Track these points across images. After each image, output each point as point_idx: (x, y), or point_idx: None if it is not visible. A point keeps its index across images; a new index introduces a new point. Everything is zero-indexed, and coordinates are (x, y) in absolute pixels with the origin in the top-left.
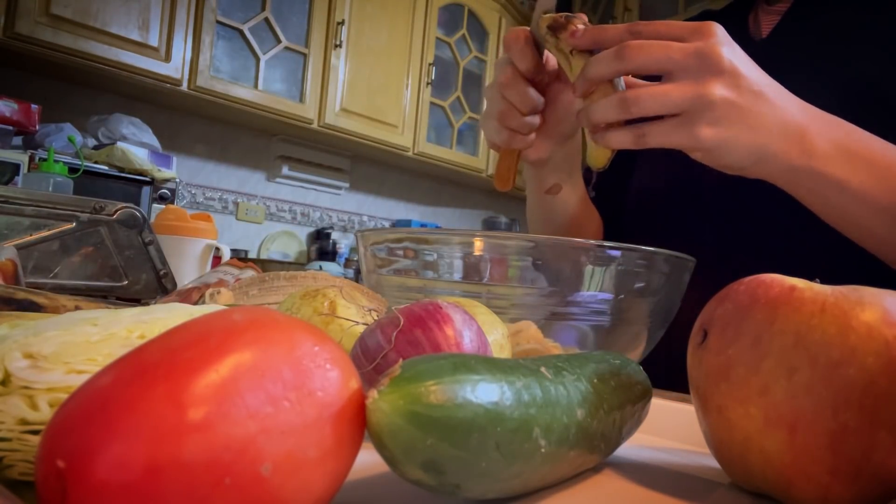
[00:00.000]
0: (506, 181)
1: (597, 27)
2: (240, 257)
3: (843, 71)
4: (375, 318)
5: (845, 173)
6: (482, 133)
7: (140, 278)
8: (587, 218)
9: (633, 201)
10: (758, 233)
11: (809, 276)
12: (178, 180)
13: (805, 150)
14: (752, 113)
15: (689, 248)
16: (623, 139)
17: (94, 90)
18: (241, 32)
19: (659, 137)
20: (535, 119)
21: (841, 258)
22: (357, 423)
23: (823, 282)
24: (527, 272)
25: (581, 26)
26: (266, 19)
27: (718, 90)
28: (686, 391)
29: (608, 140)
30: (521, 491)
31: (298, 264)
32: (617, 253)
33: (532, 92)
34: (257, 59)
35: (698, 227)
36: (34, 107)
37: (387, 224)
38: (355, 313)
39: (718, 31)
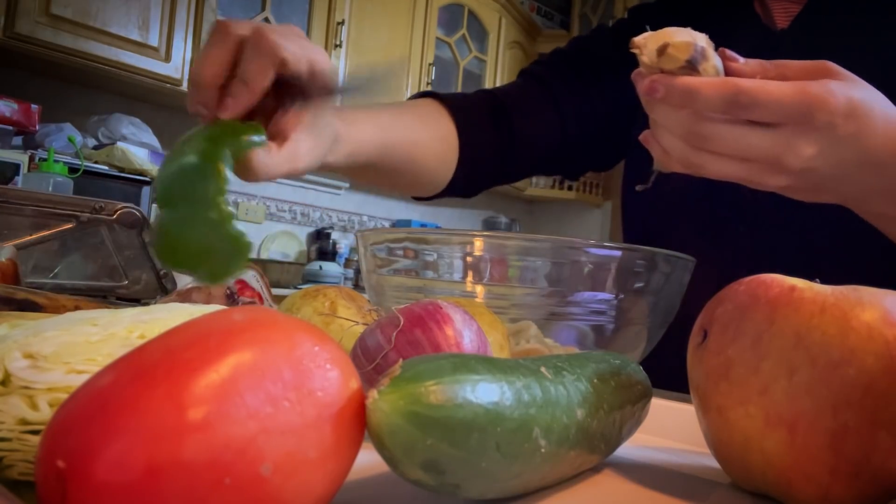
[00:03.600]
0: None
1: (693, 88)
2: None
3: (879, 54)
4: (375, 318)
5: None
6: None
7: (140, 278)
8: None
9: (633, 201)
10: (758, 232)
11: (809, 276)
12: None
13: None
14: (834, 181)
15: (690, 248)
16: (677, 151)
17: (94, 90)
18: None
19: (721, 174)
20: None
21: (841, 258)
22: (357, 423)
23: (823, 282)
24: (527, 272)
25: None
26: (266, 19)
27: (807, 154)
28: (686, 391)
29: (661, 142)
30: (521, 491)
31: (298, 264)
32: (617, 253)
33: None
34: None
35: (699, 226)
36: (34, 107)
37: (387, 224)
38: (355, 313)
39: (840, 99)
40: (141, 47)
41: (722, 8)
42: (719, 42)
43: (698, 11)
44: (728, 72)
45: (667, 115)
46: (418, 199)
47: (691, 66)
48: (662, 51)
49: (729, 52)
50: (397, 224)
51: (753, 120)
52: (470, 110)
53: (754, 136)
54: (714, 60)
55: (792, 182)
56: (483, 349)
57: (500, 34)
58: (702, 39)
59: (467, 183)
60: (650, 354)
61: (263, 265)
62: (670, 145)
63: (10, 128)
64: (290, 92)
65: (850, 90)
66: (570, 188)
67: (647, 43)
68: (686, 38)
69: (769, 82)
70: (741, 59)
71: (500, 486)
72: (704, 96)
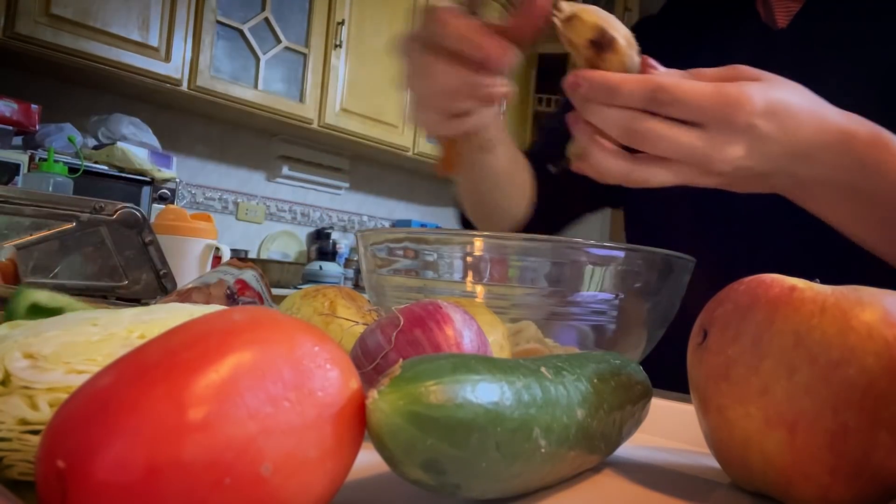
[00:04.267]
0: (452, 166)
1: (612, 83)
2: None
3: (879, 54)
4: (375, 318)
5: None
6: None
7: (140, 278)
8: (518, 169)
9: (633, 200)
10: (758, 232)
11: (809, 276)
12: (178, 180)
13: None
14: (769, 175)
15: (690, 248)
16: (615, 170)
17: (94, 90)
18: (241, 32)
19: (655, 180)
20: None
21: (841, 258)
22: (357, 423)
23: (823, 282)
24: (527, 272)
25: (624, 50)
26: (266, 19)
27: (733, 156)
28: (686, 391)
29: (598, 166)
30: (521, 491)
31: (298, 264)
32: (617, 253)
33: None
34: (257, 59)
35: (698, 226)
36: (34, 107)
37: (387, 224)
38: (355, 313)
39: (756, 103)
40: (141, 47)
41: (724, 8)
42: (719, 43)
43: (701, 14)
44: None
45: (603, 118)
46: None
47: (597, 49)
48: (569, 19)
49: (649, 60)
50: (397, 224)
51: (674, 117)
52: (535, 162)
53: (686, 136)
54: (628, 59)
55: (727, 179)
56: (483, 349)
57: None
58: (620, 34)
59: (537, 225)
60: (650, 354)
61: (263, 265)
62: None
63: (10, 128)
64: None
65: (768, 91)
66: None
67: (564, 8)
68: (598, 21)
69: (688, 81)
70: (661, 68)
71: (500, 486)
72: (626, 91)
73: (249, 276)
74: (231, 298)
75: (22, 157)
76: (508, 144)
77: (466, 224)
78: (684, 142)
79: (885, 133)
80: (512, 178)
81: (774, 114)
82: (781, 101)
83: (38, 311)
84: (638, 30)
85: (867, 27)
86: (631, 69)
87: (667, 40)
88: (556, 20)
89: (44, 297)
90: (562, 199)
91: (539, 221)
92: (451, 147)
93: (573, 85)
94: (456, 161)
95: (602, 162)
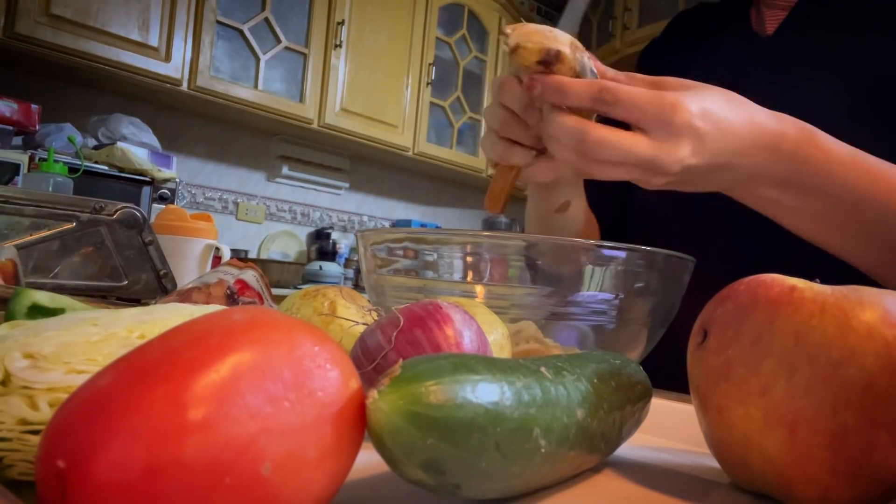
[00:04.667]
0: (497, 202)
1: (563, 86)
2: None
3: (858, 64)
4: (375, 318)
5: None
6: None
7: (140, 278)
8: (592, 229)
9: (634, 200)
10: (758, 232)
11: (809, 276)
12: (178, 180)
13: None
14: (712, 174)
15: (690, 248)
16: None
17: (94, 90)
18: (241, 32)
19: (605, 175)
20: (536, 133)
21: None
22: (357, 423)
23: (823, 282)
24: (527, 272)
25: (577, 62)
26: (266, 19)
27: (681, 155)
28: (686, 391)
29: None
30: (521, 491)
31: (298, 264)
32: (617, 253)
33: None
34: (257, 59)
35: (698, 226)
36: (34, 107)
37: (387, 224)
38: (355, 313)
39: (691, 107)
40: (141, 47)
41: (719, 17)
42: (710, 50)
43: (699, 26)
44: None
45: (559, 129)
46: None
47: (547, 65)
48: (514, 49)
49: (597, 61)
50: (397, 224)
51: (616, 118)
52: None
53: (634, 141)
54: (577, 63)
55: (676, 178)
56: (483, 349)
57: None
58: (564, 44)
59: None
60: (650, 354)
61: (263, 265)
62: (565, 157)
63: (10, 128)
64: None
65: (698, 97)
66: None
67: (510, 35)
68: (541, 44)
69: (630, 85)
70: (610, 72)
71: (500, 486)
72: (575, 92)
73: (249, 276)
74: (231, 298)
75: (22, 157)
76: (584, 207)
77: None
78: (633, 148)
79: (814, 131)
80: (578, 229)
81: (708, 115)
82: (712, 105)
83: (38, 312)
84: (644, 55)
85: (848, 36)
86: (582, 71)
87: (667, 58)
88: (505, 48)
89: (44, 297)
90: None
91: None
92: (501, 180)
93: (529, 87)
94: (500, 197)
95: (559, 152)
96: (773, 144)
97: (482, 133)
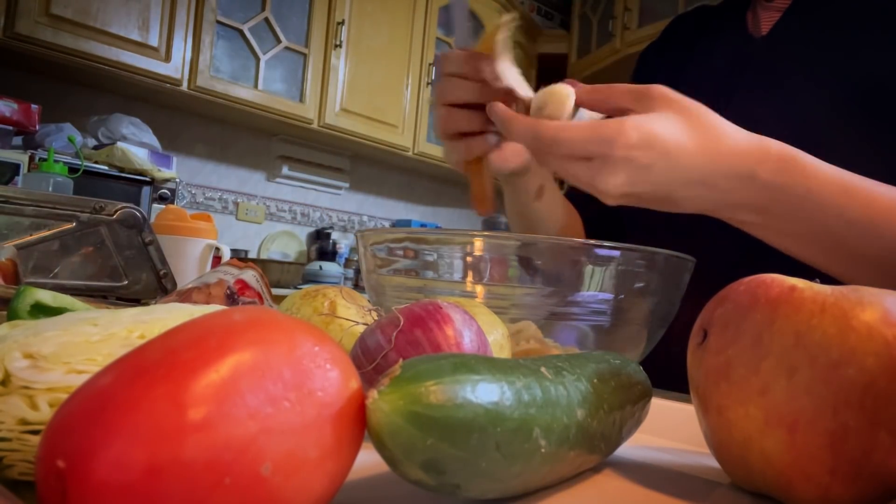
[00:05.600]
0: (482, 202)
1: (507, 122)
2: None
3: (851, 63)
4: (375, 318)
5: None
6: None
7: (140, 278)
8: (573, 219)
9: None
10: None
11: (809, 276)
12: (178, 180)
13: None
14: (658, 196)
15: (690, 248)
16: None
17: (94, 90)
18: (241, 32)
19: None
20: (482, 117)
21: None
22: (357, 423)
23: (823, 282)
24: (525, 272)
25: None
26: (266, 19)
27: (613, 183)
28: (686, 391)
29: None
30: (521, 491)
31: (298, 264)
32: (617, 253)
33: (470, 84)
34: (257, 59)
35: (699, 226)
36: (34, 107)
37: (387, 224)
38: (355, 313)
39: (630, 134)
40: (141, 47)
41: (717, 19)
42: (706, 52)
43: (696, 28)
44: None
45: (518, 137)
46: None
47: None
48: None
49: (574, 82)
50: (397, 224)
51: (562, 156)
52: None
53: (574, 167)
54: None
55: (629, 202)
56: (483, 349)
57: None
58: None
59: None
60: (650, 354)
61: (263, 265)
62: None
63: (10, 128)
64: None
65: (645, 124)
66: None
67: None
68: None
69: (567, 124)
70: (579, 85)
71: (500, 486)
72: (515, 131)
73: (249, 276)
74: (231, 298)
75: (22, 157)
76: (560, 196)
77: None
78: (572, 171)
79: (797, 154)
80: (559, 218)
81: (651, 146)
82: (660, 134)
83: (40, 310)
84: (642, 57)
85: (841, 36)
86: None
87: (664, 60)
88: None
89: (47, 296)
90: (607, 222)
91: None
92: (476, 179)
93: (490, 112)
94: (483, 196)
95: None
96: (746, 173)
97: (436, 129)
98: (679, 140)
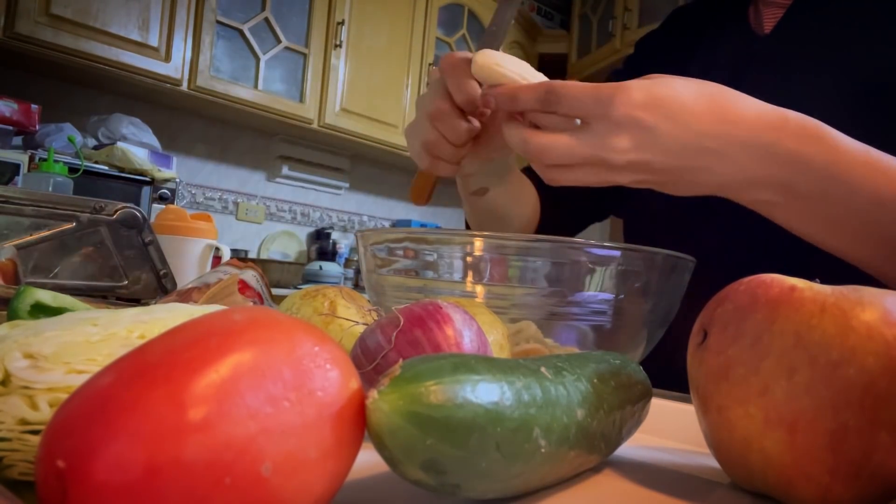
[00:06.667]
0: (420, 197)
1: (512, 93)
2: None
3: (855, 61)
4: (375, 318)
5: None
6: None
7: (140, 278)
8: (517, 207)
9: (633, 201)
10: (758, 232)
11: (809, 276)
12: (178, 180)
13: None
14: (669, 177)
15: (690, 248)
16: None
17: (94, 90)
18: (241, 32)
19: (571, 182)
20: (464, 150)
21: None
22: (357, 423)
23: (823, 282)
24: (527, 272)
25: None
26: (266, 19)
27: (620, 148)
28: (686, 391)
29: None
30: (521, 491)
31: (298, 264)
32: (617, 253)
33: (464, 125)
34: (257, 59)
35: (699, 226)
36: (34, 107)
37: (387, 224)
38: (355, 313)
39: (634, 96)
40: (141, 47)
41: (718, 15)
42: (707, 49)
43: (697, 22)
44: None
45: (510, 141)
46: None
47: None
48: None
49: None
50: (397, 224)
51: (562, 114)
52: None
53: (574, 141)
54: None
55: (639, 176)
56: (483, 349)
57: None
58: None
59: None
60: (650, 354)
61: (263, 265)
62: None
63: (10, 128)
64: None
65: (651, 85)
66: None
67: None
68: (496, 74)
69: (573, 82)
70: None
71: (500, 486)
72: (523, 97)
73: (249, 276)
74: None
75: (22, 157)
76: (509, 192)
77: None
78: (575, 148)
79: (821, 127)
80: (511, 210)
81: (658, 106)
82: (667, 94)
83: (41, 310)
84: (640, 45)
85: (845, 34)
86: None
87: (664, 50)
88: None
89: (47, 295)
90: (566, 210)
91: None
92: (424, 178)
93: (486, 103)
94: (423, 193)
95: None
96: (768, 142)
97: (409, 128)
98: (687, 101)
